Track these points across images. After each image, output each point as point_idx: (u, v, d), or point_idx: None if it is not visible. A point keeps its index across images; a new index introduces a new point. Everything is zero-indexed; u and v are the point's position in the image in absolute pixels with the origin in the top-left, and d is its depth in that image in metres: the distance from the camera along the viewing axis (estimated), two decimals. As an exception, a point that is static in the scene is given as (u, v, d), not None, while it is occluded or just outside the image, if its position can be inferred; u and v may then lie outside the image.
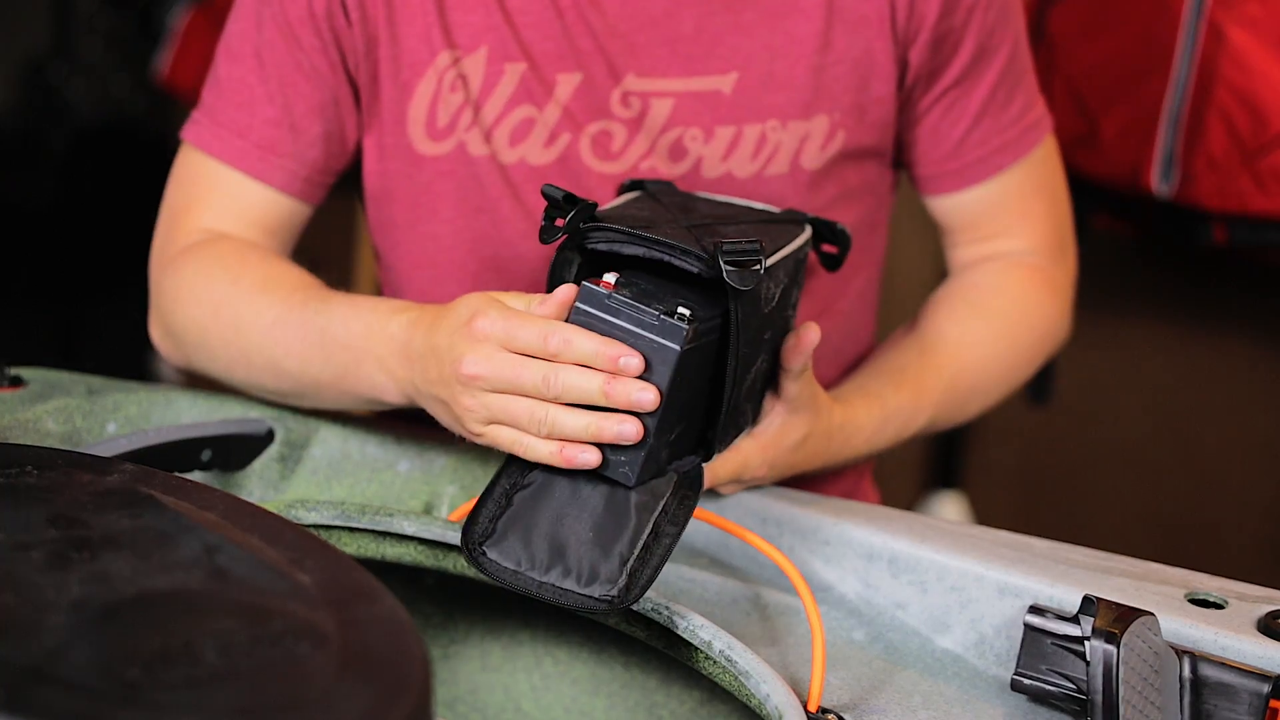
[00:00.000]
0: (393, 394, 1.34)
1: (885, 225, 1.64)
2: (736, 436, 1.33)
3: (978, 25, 1.50)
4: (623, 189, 1.45)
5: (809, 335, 1.30)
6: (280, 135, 1.50)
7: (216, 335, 1.46)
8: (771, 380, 1.34)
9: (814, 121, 1.48)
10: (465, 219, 1.50)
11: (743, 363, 1.24)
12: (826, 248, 1.45)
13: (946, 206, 1.61)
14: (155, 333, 1.54)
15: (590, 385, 1.18)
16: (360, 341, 1.34)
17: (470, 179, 1.48)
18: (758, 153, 1.47)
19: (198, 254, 1.49)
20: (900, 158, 1.60)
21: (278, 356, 1.41)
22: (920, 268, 2.65)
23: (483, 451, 1.42)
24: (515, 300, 1.24)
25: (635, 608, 1.22)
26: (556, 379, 1.19)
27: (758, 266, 1.18)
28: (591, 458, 1.19)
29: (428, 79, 1.46)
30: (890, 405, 1.49)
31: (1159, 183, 2.35)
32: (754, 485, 1.39)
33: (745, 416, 1.33)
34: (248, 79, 1.50)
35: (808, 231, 1.39)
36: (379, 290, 1.60)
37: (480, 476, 1.43)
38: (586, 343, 1.18)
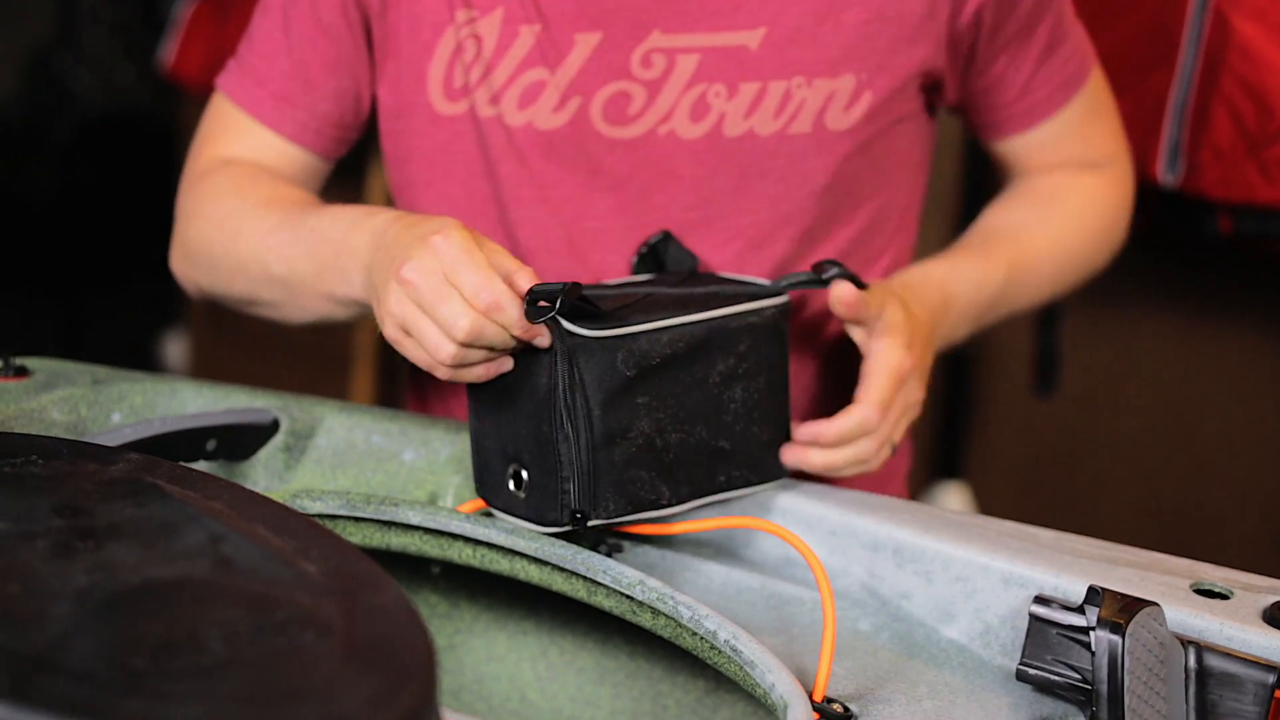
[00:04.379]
0: (358, 287, 1.37)
1: (916, 204, 1.63)
2: (633, 509, 1.31)
3: None
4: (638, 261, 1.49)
5: (840, 290, 1.37)
6: (294, 88, 1.55)
7: (220, 246, 1.52)
8: (724, 460, 1.36)
9: (840, 80, 1.46)
10: (475, 181, 1.51)
11: (610, 417, 1.27)
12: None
13: (1012, 148, 1.67)
14: (174, 258, 1.61)
15: (497, 342, 1.24)
16: (344, 234, 1.38)
17: (479, 141, 1.49)
18: (781, 110, 1.45)
19: (214, 175, 1.56)
20: (951, 113, 1.65)
21: (269, 261, 1.46)
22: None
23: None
24: (495, 253, 1.26)
25: (641, 597, 1.22)
26: (460, 326, 1.22)
27: (547, 305, 1.23)
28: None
29: (446, 39, 1.47)
30: (972, 269, 1.59)
31: (1165, 173, 2.35)
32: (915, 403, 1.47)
33: (643, 485, 1.32)
34: (273, 32, 1.56)
35: (769, 301, 1.36)
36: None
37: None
38: (509, 314, 1.22)
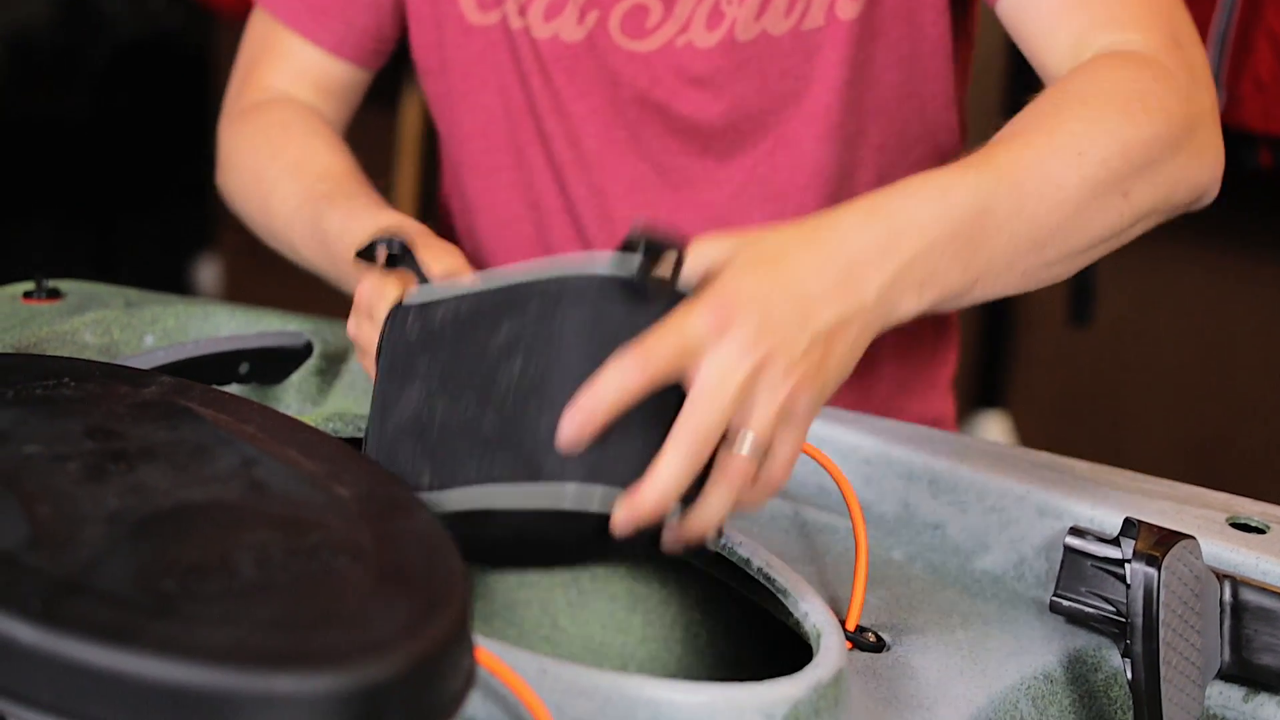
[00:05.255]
0: None
1: (951, 90, 1.52)
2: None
3: None
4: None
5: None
6: (330, 0, 1.55)
7: (254, 206, 1.52)
8: None
9: None
10: (512, 92, 1.51)
11: (386, 381, 1.12)
12: None
13: (1021, 6, 1.35)
14: (219, 185, 1.60)
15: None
16: (346, 250, 1.30)
17: (512, 53, 1.49)
18: (791, 8, 1.43)
19: (251, 120, 1.55)
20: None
21: (295, 243, 1.45)
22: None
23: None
24: (441, 260, 1.18)
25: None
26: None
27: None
28: None
29: None
30: (924, 179, 1.11)
31: (1204, 104, 2.33)
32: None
33: (406, 461, 1.09)
34: None
35: (579, 269, 1.04)
36: (422, 197, 1.63)
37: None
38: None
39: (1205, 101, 1.28)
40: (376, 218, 1.32)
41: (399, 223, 1.28)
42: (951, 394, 1.69)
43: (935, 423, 1.61)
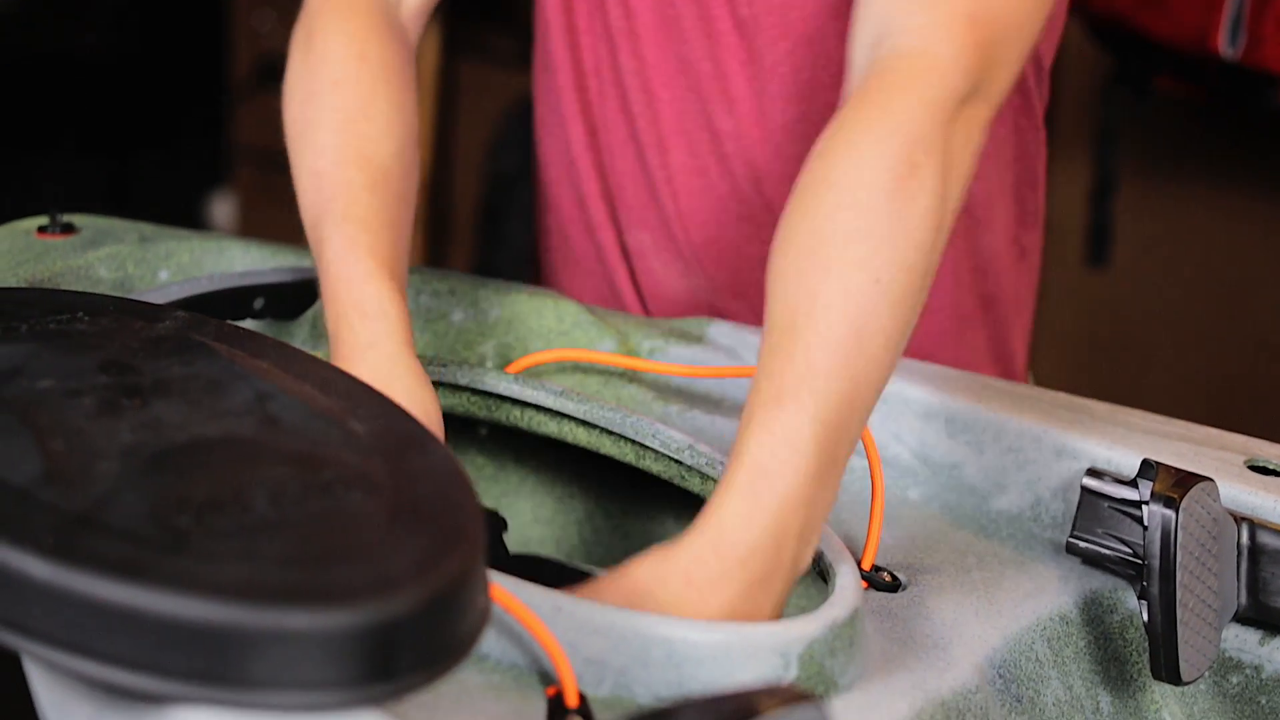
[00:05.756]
0: None
1: None
2: None
3: None
4: None
5: None
6: None
7: (291, 157, 1.34)
8: None
9: None
10: None
11: None
12: None
13: None
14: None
15: None
16: (331, 288, 1.21)
17: None
18: None
19: (316, 49, 1.34)
20: None
21: (304, 219, 1.32)
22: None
23: (538, 301, 1.41)
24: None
25: (690, 461, 1.21)
26: None
27: None
28: None
29: None
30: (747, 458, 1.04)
31: (1226, 45, 2.32)
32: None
33: None
34: None
35: None
36: (437, 134, 1.59)
37: (534, 329, 1.42)
38: None
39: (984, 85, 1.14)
40: (368, 272, 1.20)
41: (378, 300, 1.19)
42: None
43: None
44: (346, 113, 1.29)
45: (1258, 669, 1.16)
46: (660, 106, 1.48)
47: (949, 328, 1.51)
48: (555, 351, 1.38)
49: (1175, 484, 1.09)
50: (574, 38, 1.52)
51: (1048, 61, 1.50)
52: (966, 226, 1.47)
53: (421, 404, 1.14)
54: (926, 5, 1.14)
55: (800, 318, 1.05)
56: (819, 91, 1.43)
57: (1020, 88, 1.47)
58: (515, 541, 1.48)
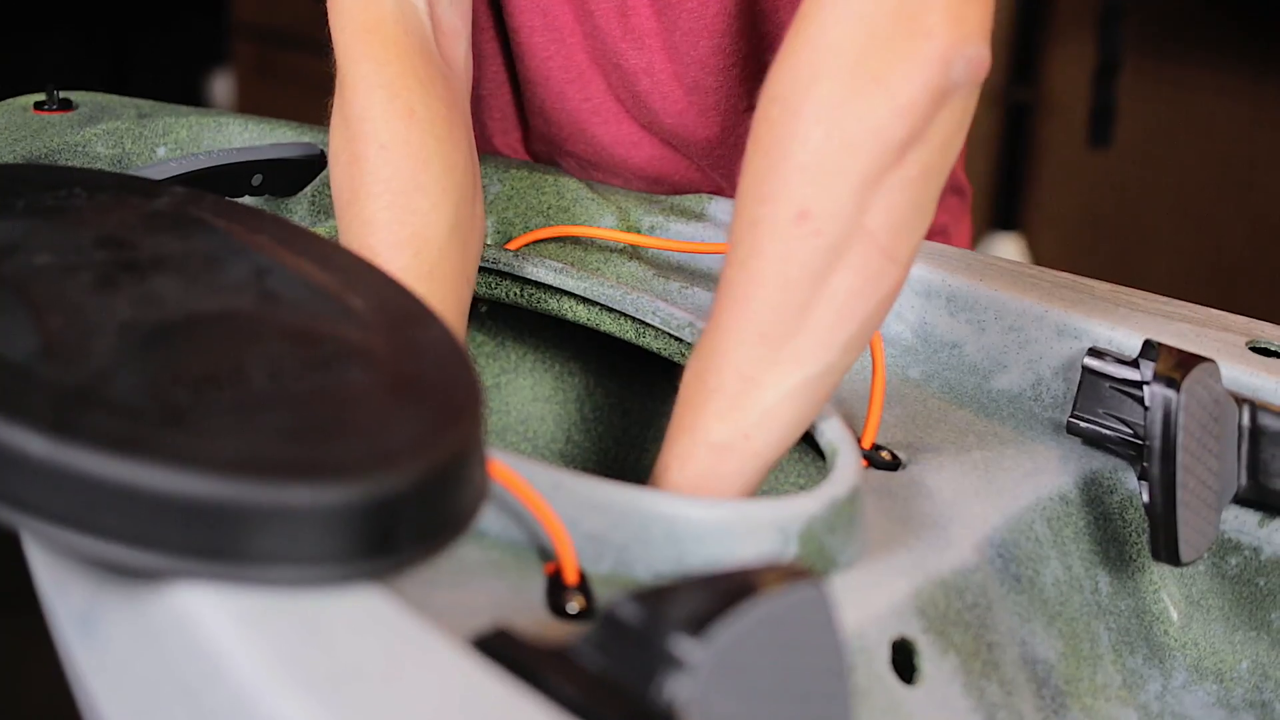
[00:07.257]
0: None
1: None
2: None
3: None
4: None
5: None
6: None
7: (339, 222, 1.24)
8: None
9: None
10: None
11: None
12: None
13: None
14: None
15: None
16: None
17: None
18: None
19: (355, 104, 1.23)
20: None
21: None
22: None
23: (538, 177, 1.40)
24: None
25: (690, 339, 1.21)
26: None
27: None
28: None
29: None
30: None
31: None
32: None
33: None
34: None
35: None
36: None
37: (535, 205, 1.41)
38: None
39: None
40: None
41: None
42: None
43: None
44: (398, 184, 1.21)
45: (1256, 550, 1.16)
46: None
47: None
48: (556, 228, 1.38)
49: (1177, 365, 1.09)
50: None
51: None
52: None
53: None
54: None
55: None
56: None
57: None
58: (515, 418, 1.48)
